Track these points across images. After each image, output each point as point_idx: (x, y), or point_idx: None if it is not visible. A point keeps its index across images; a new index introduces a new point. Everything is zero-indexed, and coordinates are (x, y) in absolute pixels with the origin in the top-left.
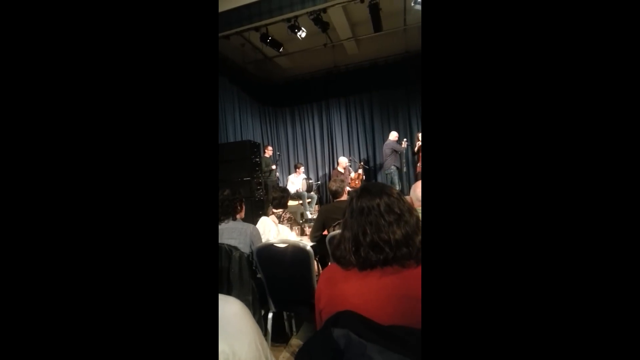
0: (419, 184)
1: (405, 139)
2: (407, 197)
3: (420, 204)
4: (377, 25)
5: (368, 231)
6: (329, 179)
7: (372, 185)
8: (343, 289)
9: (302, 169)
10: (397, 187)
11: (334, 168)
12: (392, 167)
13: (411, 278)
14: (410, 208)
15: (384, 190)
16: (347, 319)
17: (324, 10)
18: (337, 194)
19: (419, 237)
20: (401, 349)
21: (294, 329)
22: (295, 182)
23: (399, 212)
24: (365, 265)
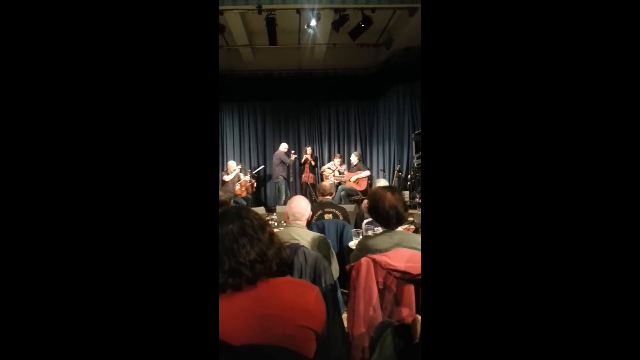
0: (294, 199)
1: (293, 151)
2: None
3: (294, 218)
4: (272, 38)
5: (225, 258)
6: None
7: (227, 210)
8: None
9: None
10: (284, 196)
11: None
12: (280, 177)
13: (265, 294)
14: (264, 224)
15: (238, 213)
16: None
17: (221, 12)
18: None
19: (272, 250)
20: None
21: None
22: None
23: (252, 233)
24: (226, 289)
